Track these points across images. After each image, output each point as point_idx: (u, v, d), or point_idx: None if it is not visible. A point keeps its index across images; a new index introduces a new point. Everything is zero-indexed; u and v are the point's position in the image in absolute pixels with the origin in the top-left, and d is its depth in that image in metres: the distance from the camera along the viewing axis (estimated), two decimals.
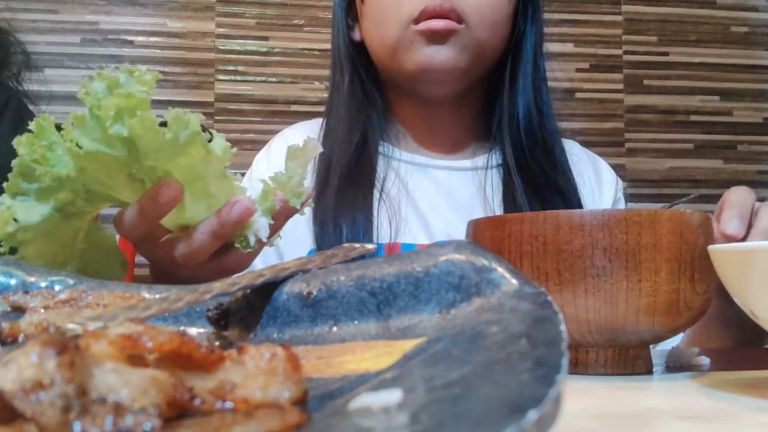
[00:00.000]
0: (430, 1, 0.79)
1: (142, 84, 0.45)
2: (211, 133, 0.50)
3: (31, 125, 0.47)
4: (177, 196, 0.47)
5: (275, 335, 0.32)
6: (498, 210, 0.85)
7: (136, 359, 0.20)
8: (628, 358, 0.45)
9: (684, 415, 0.31)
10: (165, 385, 0.18)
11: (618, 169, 2.21)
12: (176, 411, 0.19)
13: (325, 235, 0.83)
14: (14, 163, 0.47)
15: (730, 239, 0.57)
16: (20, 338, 0.29)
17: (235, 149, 0.50)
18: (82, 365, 0.18)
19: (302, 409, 0.19)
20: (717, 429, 0.28)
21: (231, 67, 2.08)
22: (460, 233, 0.83)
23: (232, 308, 0.34)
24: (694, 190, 2.25)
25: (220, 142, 0.49)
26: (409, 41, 0.81)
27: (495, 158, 0.89)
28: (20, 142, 0.47)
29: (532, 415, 0.15)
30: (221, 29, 2.08)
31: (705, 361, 0.50)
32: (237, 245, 0.51)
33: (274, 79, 2.08)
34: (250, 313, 0.33)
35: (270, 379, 0.20)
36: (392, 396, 0.18)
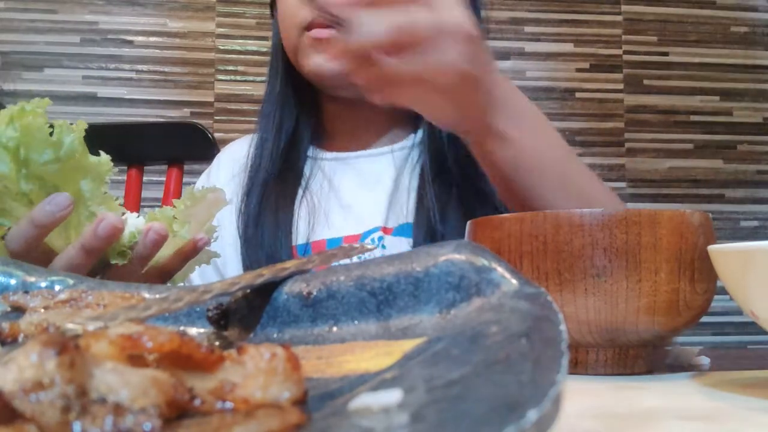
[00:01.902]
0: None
1: (29, 106, 0.50)
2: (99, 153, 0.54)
3: None
4: (65, 203, 0.50)
5: (275, 335, 0.32)
6: (413, 190, 0.85)
7: (136, 359, 0.20)
8: (628, 358, 0.45)
9: (684, 415, 0.31)
10: (165, 385, 0.18)
11: (618, 169, 2.23)
12: (176, 411, 0.19)
13: (248, 240, 0.84)
14: None
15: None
16: (20, 338, 0.29)
17: (113, 167, 0.53)
18: (82, 365, 0.18)
19: (302, 409, 0.19)
20: (717, 429, 0.28)
21: (231, 67, 2.08)
22: (382, 217, 0.84)
23: (232, 308, 0.34)
24: (694, 190, 2.25)
25: (103, 159, 0.53)
26: (304, 47, 0.82)
27: (415, 138, 0.89)
28: None
29: (532, 415, 0.15)
30: (221, 29, 2.08)
31: (705, 361, 0.50)
32: (113, 261, 0.53)
33: None
34: (250, 313, 0.33)
35: (270, 379, 0.20)
36: (392, 396, 0.18)
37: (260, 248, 0.83)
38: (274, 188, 0.87)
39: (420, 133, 0.88)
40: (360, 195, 0.88)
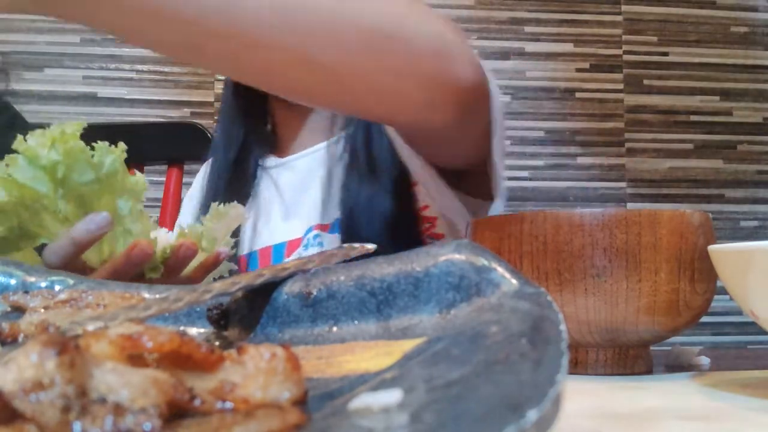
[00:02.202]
0: None
1: (68, 128, 0.52)
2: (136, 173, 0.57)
3: None
4: (105, 223, 0.52)
5: (275, 335, 0.32)
6: (337, 184, 0.84)
7: (136, 359, 0.20)
8: (628, 358, 0.45)
9: (684, 415, 0.31)
10: (165, 385, 0.18)
11: (618, 169, 2.23)
12: (176, 411, 0.19)
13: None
14: None
15: None
16: (20, 338, 0.29)
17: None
18: (82, 365, 0.18)
19: (302, 409, 0.19)
20: (717, 429, 0.28)
21: None
22: (318, 215, 0.82)
23: (232, 308, 0.34)
24: (694, 190, 2.25)
25: (139, 179, 0.56)
26: None
27: (342, 136, 0.89)
28: None
29: (532, 415, 0.15)
30: None
31: (705, 361, 0.50)
32: (148, 275, 0.56)
33: None
34: (250, 313, 0.33)
35: (270, 379, 0.20)
36: (392, 396, 0.18)
37: None
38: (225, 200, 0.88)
39: (348, 129, 0.88)
40: (299, 196, 0.88)
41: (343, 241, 0.80)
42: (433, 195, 0.80)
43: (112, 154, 0.53)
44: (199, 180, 0.98)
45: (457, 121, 0.64)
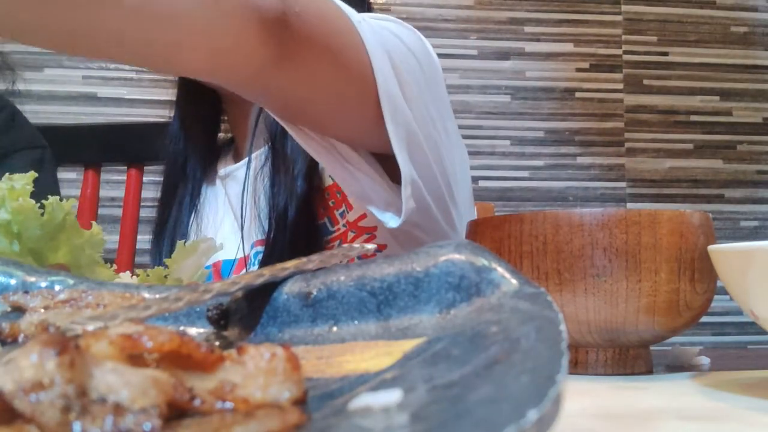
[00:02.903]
0: None
1: (17, 183, 0.52)
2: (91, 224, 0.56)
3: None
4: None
5: (275, 335, 0.32)
6: (262, 188, 0.79)
7: (136, 359, 0.20)
8: (628, 358, 0.45)
9: (684, 415, 0.31)
10: (165, 385, 0.18)
11: (618, 169, 2.23)
12: (176, 411, 0.19)
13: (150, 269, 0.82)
14: None
15: None
16: (20, 338, 0.29)
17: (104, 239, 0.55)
18: (82, 365, 0.18)
19: (302, 409, 0.19)
20: (717, 429, 0.28)
21: None
22: (256, 230, 0.77)
23: (232, 308, 0.34)
24: (694, 190, 2.25)
25: (95, 230, 0.55)
26: None
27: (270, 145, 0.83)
28: None
29: (532, 415, 0.15)
30: None
31: (705, 361, 0.50)
32: None
33: None
34: (250, 313, 0.33)
35: (270, 379, 0.20)
36: (392, 396, 0.18)
37: None
38: (169, 215, 0.86)
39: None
40: (245, 208, 0.83)
41: (266, 256, 0.76)
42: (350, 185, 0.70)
43: (62, 210, 0.53)
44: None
45: (273, 63, 0.55)
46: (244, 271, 0.80)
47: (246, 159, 0.83)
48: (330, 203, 0.79)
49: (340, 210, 0.79)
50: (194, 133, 0.89)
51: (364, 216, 0.77)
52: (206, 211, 0.87)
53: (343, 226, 0.78)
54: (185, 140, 0.88)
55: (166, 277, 0.56)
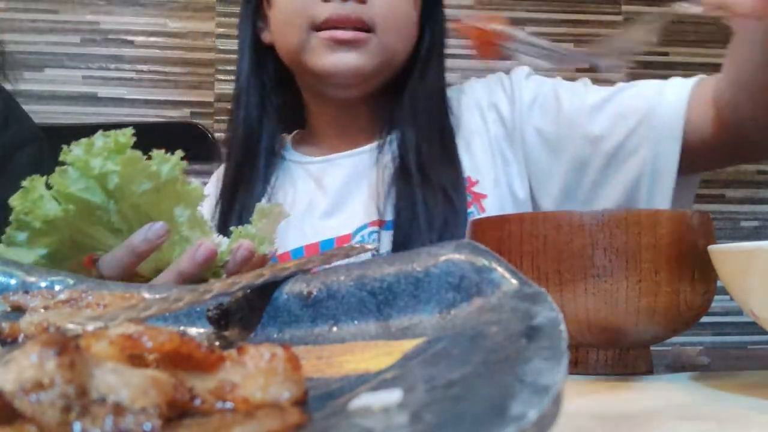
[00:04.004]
0: (334, 10, 0.79)
1: (121, 137, 0.52)
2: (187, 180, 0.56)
3: (24, 183, 0.53)
4: (163, 232, 0.52)
5: (275, 335, 0.32)
6: (387, 186, 0.84)
7: (136, 359, 0.20)
8: (628, 358, 0.45)
9: (684, 415, 0.31)
10: (165, 385, 0.18)
11: None
12: (176, 411, 0.19)
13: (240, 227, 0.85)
14: (11, 218, 0.53)
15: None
16: (20, 338, 0.29)
17: (207, 192, 0.54)
18: (82, 365, 0.18)
19: (302, 409, 0.19)
20: (717, 429, 0.28)
21: (231, 67, 2.07)
22: (371, 212, 0.82)
23: (232, 308, 0.34)
24: None
25: (196, 186, 0.55)
26: (313, 48, 0.81)
27: (393, 138, 0.88)
28: (15, 199, 0.53)
29: (532, 415, 0.15)
30: (221, 29, 2.07)
31: (705, 361, 0.50)
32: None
33: None
34: (250, 313, 0.33)
35: (270, 379, 0.20)
36: (392, 396, 0.18)
37: None
38: (236, 201, 0.87)
39: (395, 133, 0.87)
40: (346, 194, 0.88)
41: (396, 244, 0.80)
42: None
43: (169, 162, 0.53)
44: (213, 181, 0.97)
45: None
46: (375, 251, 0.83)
47: (350, 151, 0.89)
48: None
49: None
50: (272, 123, 0.91)
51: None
52: (278, 197, 0.90)
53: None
54: (261, 129, 0.90)
55: (254, 234, 0.57)
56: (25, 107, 1.13)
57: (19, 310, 0.34)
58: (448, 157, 0.84)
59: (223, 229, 0.84)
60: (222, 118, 2.06)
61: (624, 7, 2.27)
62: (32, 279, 0.38)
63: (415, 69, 0.87)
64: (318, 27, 0.80)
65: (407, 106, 0.86)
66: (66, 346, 0.17)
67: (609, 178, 0.78)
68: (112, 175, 0.51)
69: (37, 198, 0.52)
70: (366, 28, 0.80)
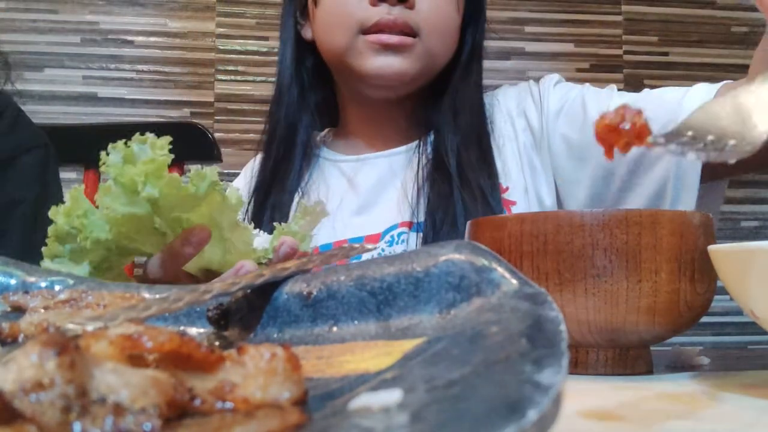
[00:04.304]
0: (383, 15, 0.80)
1: (157, 149, 0.53)
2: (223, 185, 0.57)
3: (65, 196, 0.54)
4: (205, 236, 0.53)
5: (275, 335, 0.32)
6: (424, 188, 0.85)
7: (136, 359, 0.20)
8: (628, 358, 0.45)
9: (684, 415, 0.31)
10: (165, 385, 0.18)
11: None
12: (176, 411, 0.19)
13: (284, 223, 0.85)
14: (50, 230, 0.54)
15: None
16: (20, 338, 0.29)
17: (244, 198, 0.55)
18: (82, 365, 0.18)
19: (302, 409, 0.19)
20: (717, 429, 0.28)
21: (231, 67, 2.08)
22: (402, 214, 0.84)
23: (232, 308, 0.34)
24: None
25: (233, 192, 0.56)
26: (359, 50, 0.82)
27: (429, 139, 0.90)
28: (57, 213, 0.54)
29: (532, 415, 0.15)
30: (221, 29, 2.07)
31: (705, 361, 0.50)
32: None
33: (274, 79, 2.08)
34: (250, 313, 0.33)
35: (270, 379, 0.20)
36: (392, 396, 0.18)
37: None
38: (271, 195, 0.88)
39: (431, 135, 0.88)
40: (377, 193, 0.88)
41: (426, 243, 0.81)
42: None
43: (205, 179, 0.53)
44: (246, 176, 0.97)
45: None
46: (381, 250, 0.84)
47: (385, 151, 0.90)
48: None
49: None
50: (309, 120, 0.93)
51: None
52: (311, 193, 0.90)
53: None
54: (299, 125, 0.92)
55: (296, 232, 0.59)
56: (25, 107, 1.13)
57: (19, 310, 0.34)
58: (485, 161, 0.85)
59: (256, 223, 0.84)
60: (222, 118, 2.06)
61: (624, 7, 2.27)
62: (32, 279, 0.38)
63: (456, 72, 0.88)
64: (365, 30, 0.81)
65: (447, 108, 0.87)
66: (66, 346, 0.17)
67: (634, 185, 0.78)
68: (154, 198, 0.52)
69: (81, 215, 0.53)
70: (412, 32, 0.81)
